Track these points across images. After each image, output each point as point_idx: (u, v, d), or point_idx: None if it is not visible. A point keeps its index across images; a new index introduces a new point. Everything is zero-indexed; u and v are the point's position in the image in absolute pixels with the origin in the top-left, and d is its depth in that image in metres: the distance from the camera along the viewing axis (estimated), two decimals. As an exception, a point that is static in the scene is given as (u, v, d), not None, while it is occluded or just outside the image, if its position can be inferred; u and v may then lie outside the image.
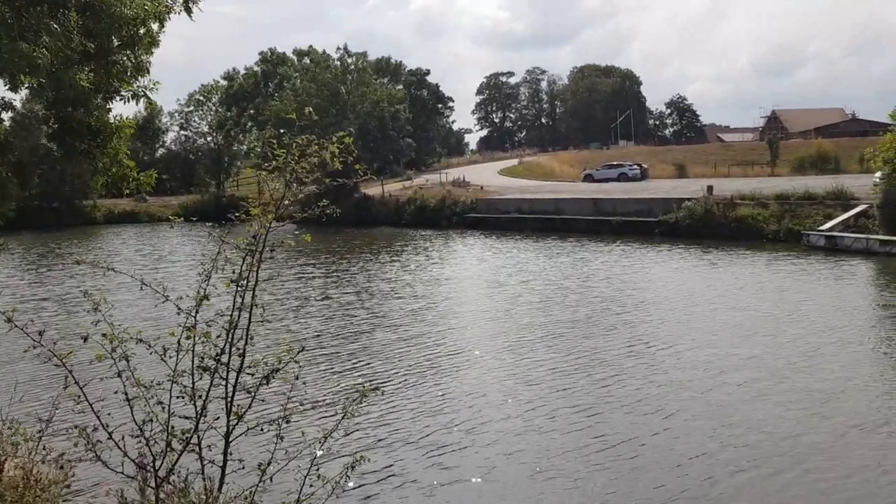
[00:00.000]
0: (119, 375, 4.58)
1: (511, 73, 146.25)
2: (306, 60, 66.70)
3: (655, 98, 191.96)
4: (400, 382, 12.53)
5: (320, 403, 10.30)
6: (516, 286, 22.69)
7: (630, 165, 60.69)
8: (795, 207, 32.58)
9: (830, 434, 9.67)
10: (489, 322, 17.99)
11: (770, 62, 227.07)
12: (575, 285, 22.30)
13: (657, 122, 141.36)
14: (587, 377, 12.52)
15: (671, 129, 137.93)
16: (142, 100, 11.64)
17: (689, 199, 35.38)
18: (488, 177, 62.77)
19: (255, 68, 75.34)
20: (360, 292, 22.27)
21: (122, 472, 4.68)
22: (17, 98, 11.42)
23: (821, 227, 29.82)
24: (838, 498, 7.97)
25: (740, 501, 7.91)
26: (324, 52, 63.23)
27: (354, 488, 7.90)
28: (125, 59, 11.09)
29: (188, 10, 10.90)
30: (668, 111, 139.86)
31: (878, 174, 31.23)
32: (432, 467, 8.91)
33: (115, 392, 4.59)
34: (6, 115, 12.12)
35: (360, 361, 14.14)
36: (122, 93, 11.49)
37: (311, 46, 67.81)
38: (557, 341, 15.12)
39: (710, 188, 36.44)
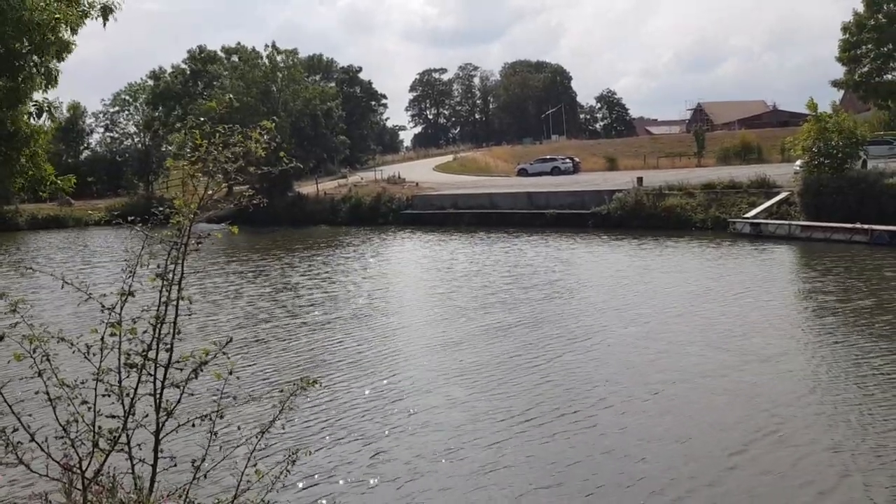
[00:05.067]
0: (40, 375, 4.41)
1: (444, 70, 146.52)
2: (235, 59, 65.40)
3: (586, 93, 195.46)
4: (335, 373, 12.49)
5: (257, 397, 10.16)
6: (453, 278, 22.88)
7: (562, 159, 61.67)
8: (721, 196, 33.61)
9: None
10: (418, 311, 18.26)
11: (695, 56, 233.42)
12: (509, 277, 22.60)
13: (588, 117, 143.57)
14: (529, 366, 12.75)
15: (601, 123, 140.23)
16: (44, 115, 11.25)
17: (619, 191, 36.08)
18: (423, 173, 62.85)
19: (183, 66, 73.53)
20: (292, 289, 22.05)
21: (46, 476, 4.52)
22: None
23: (746, 215, 30.82)
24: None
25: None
26: (253, 49, 62.05)
27: (294, 482, 7.81)
28: (33, 66, 10.69)
29: (105, 17, 10.55)
30: (599, 105, 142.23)
31: (798, 163, 32.54)
32: (371, 457, 8.91)
33: (37, 393, 4.43)
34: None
35: (294, 354, 14.08)
36: (31, 102, 11.09)
37: (239, 44, 66.49)
38: (511, 342, 15.24)
39: (639, 180, 37.27)
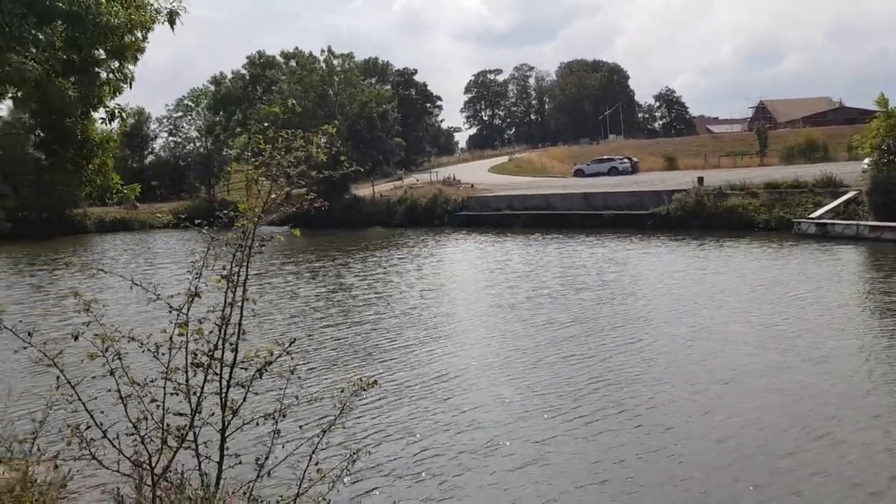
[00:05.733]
0: (112, 374, 4.56)
1: (499, 71, 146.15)
2: (293, 63, 66.54)
3: (644, 91, 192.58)
4: (386, 371, 12.68)
5: (317, 397, 10.32)
6: (505, 278, 22.82)
7: (620, 159, 60.82)
8: (786, 196, 32.68)
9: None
10: (489, 319, 18.10)
11: (755, 52, 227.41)
12: (561, 277, 22.43)
13: (646, 116, 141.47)
14: (577, 364, 12.67)
15: (660, 122, 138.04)
16: (117, 120, 11.66)
17: (679, 191, 35.43)
18: (479, 175, 62.75)
19: (243, 71, 75.11)
20: (352, 290, 22.30)
21: (118, 471, 4.66)
22: (3, 107, 11.44)
23: (811, 215, 29.93)
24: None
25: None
26: (310, 53, 63.05)
27: (353, 481, 7.90)
28: (109, 71, 11.09)
29: (171, 22, 10.91)
30: (657, 104, 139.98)
31: (867, 161, 31.40)
32: (418, 452, 9.04)
33: (109, 391, 4.58)
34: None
35: (347, 353, 14.35)
36: (104, 107, 11.49)
37: (297, 49, 67.64)
38: (560, 342, 15.12)
39: (700, 179, 36.53)
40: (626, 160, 60.37)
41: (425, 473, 8.45)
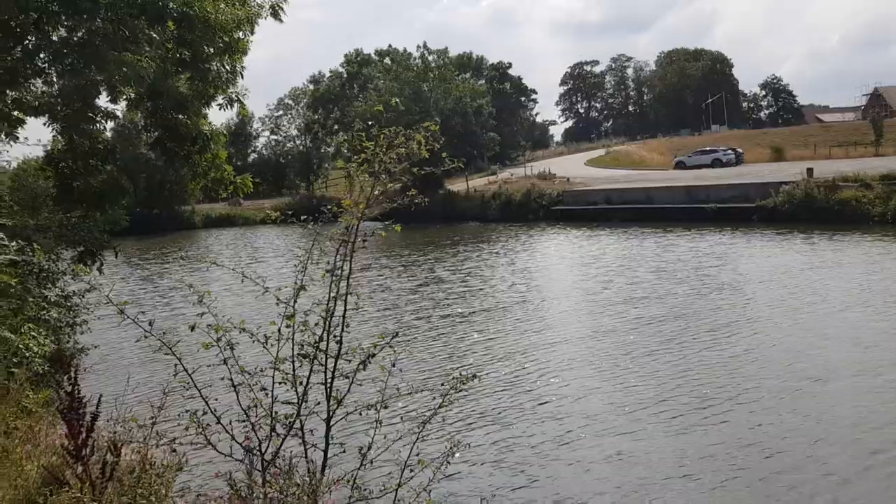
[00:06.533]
0: (225, 363, 4.77)
1: (595, 62, 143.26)
2: (387, 61, 67.55)
3: (749, 80, 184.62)
4: (476, 362, 12.83)
5: (417, 389, 10.54)
6: (606, 276, 22.42)
7: (724, 150, 58.69)
8: (903, 188, 30.80)
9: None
10: (580, 312, 17.93)
11: (868, 36, 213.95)
12: (658, 272, 21.93)
13: (751, 105, 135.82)
14: (668, 358, 12.56)
15: (766, 112, 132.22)
16: (235, 104, 12.19)
17: (787, 183, 33.94)
18: (574, 168, 61.87)
19: (341, 70, 76.72)
20: (450, 285, 22.48)
21: (230, 456, 4.87)
22: (119, 108, 12.11)
23: (933, 208, 28.11)
24: None
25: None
26: (405, 50, 63.88)
27: (454, 473, 7.98)
28: (219, 65, 11.60)
29: (276, 16, 11.33)
30: (763, 93, 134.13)
31: None
32: (502, 441, 9.15)
33: (222, 379, 4.79)
34: (109, 125, 12.84)
35: (439, 344, 14.60)
36: (219, 99, 12.03)
37: (391, 46, 68.67)
38: (652, 335, 14.75)
39: (810, 171, 34.86)
40: (730, 151, 58.20)
41: (508, 461, 8.55)
